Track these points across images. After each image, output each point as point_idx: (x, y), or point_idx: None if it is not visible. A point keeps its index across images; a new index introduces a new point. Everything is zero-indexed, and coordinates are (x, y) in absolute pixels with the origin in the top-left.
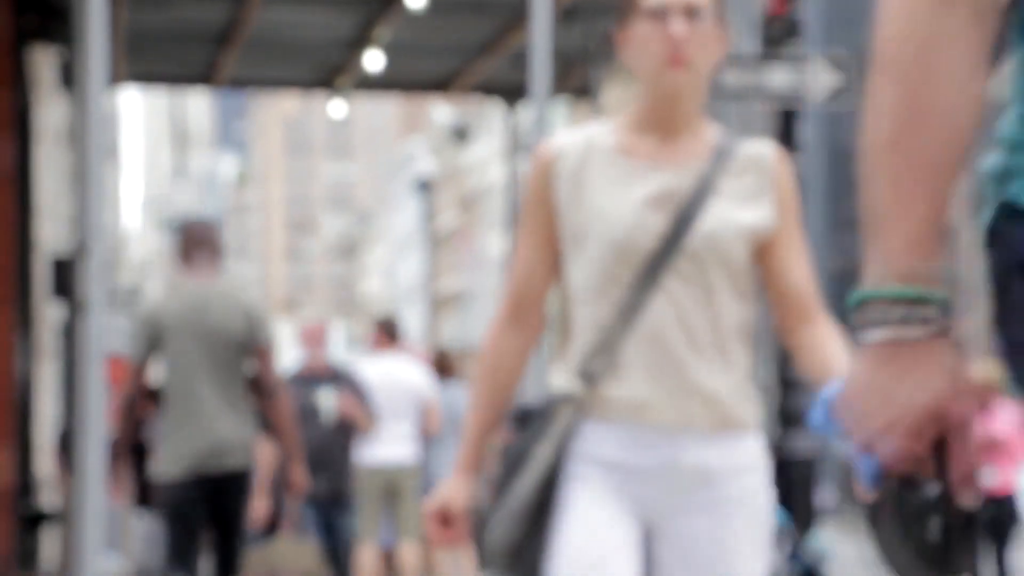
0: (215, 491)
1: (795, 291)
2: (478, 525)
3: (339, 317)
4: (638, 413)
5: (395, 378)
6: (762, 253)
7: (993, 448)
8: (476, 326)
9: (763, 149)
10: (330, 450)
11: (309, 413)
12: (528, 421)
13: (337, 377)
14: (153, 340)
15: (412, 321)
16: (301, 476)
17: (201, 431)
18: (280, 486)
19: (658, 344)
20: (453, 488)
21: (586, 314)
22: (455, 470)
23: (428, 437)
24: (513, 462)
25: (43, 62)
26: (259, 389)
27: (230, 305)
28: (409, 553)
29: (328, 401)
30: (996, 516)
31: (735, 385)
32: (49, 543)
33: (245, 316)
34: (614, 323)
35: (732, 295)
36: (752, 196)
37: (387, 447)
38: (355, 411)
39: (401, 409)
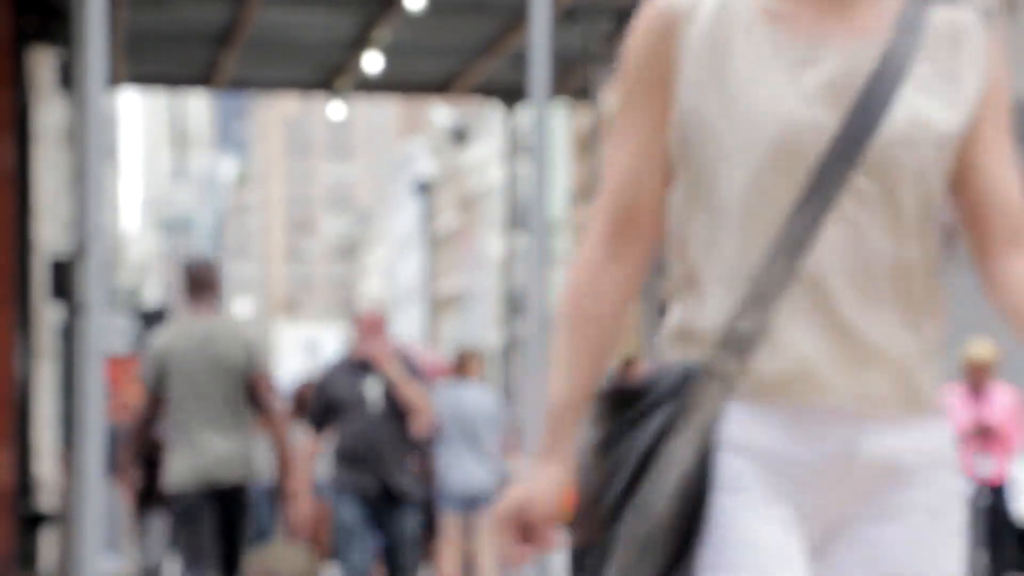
0: (218, 502)
1: (1002, 203)
2: (596, 550)
3: (338, 318)
4: (803, 389)
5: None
6: (960, 152)
7: (987, 436)
8: (476, 327)
9: (964, 16)
10: (379, 443)
11: (355, 403)
12: (636, 403)
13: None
14: (165, 371)
15: (412, 322)
16: (295, 486)
17: (205, 448)
18: (276, 495)
19: (828, 291)
20: (535, 486)
21: (725, 249)
22: (536, 460)
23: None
24: (639, 463)
25: (43, 63)
26: (259, 409)
27: (232, 338)
28: None
29: (374, 390)
30: (991, 506)
31: (925, 349)
32: (48, 543)
33: (245, 347)
34: (770, 262)
35: (926, 223)
36: (952, 81)
37: None
38: (411, 393)
39: None
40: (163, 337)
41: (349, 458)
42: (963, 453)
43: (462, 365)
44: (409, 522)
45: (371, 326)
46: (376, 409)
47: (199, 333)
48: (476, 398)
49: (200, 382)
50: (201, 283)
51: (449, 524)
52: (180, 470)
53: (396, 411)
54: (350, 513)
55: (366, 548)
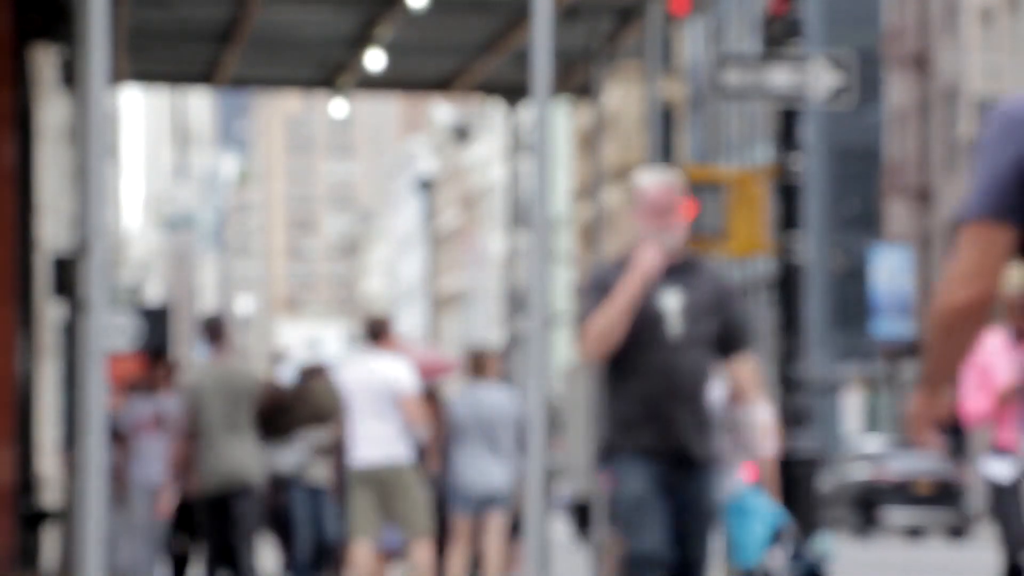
0: (232, 502)
1: None
2: None
3: (339, 316)
4: None
5: (373, 376)
6: None
7: None
8: (477, 325)
9: None
10: (682, 382)
11: (650, 324)
12: None
13: (691, 267)
14: (196, 402)
15: (413, 320)
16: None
17: (222, 460)
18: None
19: None
20: None
21: None
22: None
23: (410, 432)
24: None
25: (45, 61)
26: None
27: (244, 375)
28: (424, 552)
29: (674, 304)
30: None
31: None
32: (50, 541)
33: (253, 381)
34: None
35: None
36: None
37: (377, 448)
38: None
39: (384, 407)
40: (194, 377)
41: (637, 402)
42: (1011, 419)
43: (478, 365)
44: (711, 492)
45: (664, 205)
46: (677, 333)
47: (220, 373)
48: (494, 398)
49: (219, 411)
50: (216, 332)
51: (459, 525)
52: (204, 479)
53: (700, 336)
54: (640, 479)
55: (659, 526)
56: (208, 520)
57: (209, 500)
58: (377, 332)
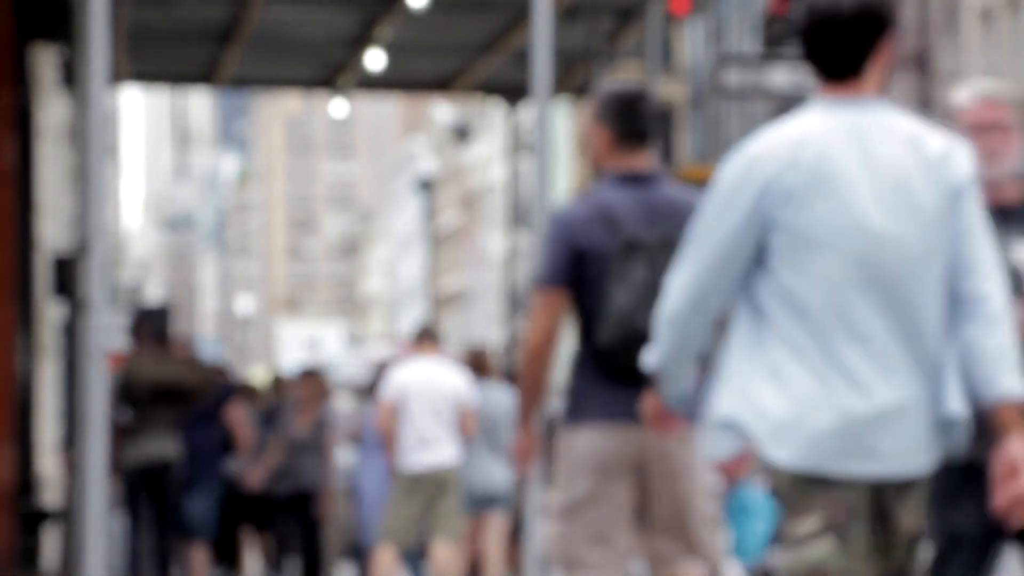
0: (156, 480)
1: None
2: None
3: (339, 316)
4: None
5: (436, 380)
6: None
7: None
8: (477, 324)
9: None
10: None
11: (1009, 282)
12: None
13: None
14: (129, 391)
15: (413, 320)
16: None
17: (157, 444)
18: None
19: None
20: None
21: None
22: None
23: (466, 440)
24: None
25: (45, 61)
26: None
27: (167, 368)
28: (444, 552)
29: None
30: None
31: None
32: (50, 541)
33: (184, 371)
34: None
35: None
36: None
37: (433, 452)
38: None
39: (442, 412)
40: (127, 369)
41: None
42: None
43: (479, 365)
44: None
45: (990, 124)
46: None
47: (153, 363)
48: (497, 398)
49: (153, 398)
50: (137, 330)
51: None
52: (130, 461)
53: None
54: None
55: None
56: (129, 495)
57: (131, 475)
58: (429, 338)
